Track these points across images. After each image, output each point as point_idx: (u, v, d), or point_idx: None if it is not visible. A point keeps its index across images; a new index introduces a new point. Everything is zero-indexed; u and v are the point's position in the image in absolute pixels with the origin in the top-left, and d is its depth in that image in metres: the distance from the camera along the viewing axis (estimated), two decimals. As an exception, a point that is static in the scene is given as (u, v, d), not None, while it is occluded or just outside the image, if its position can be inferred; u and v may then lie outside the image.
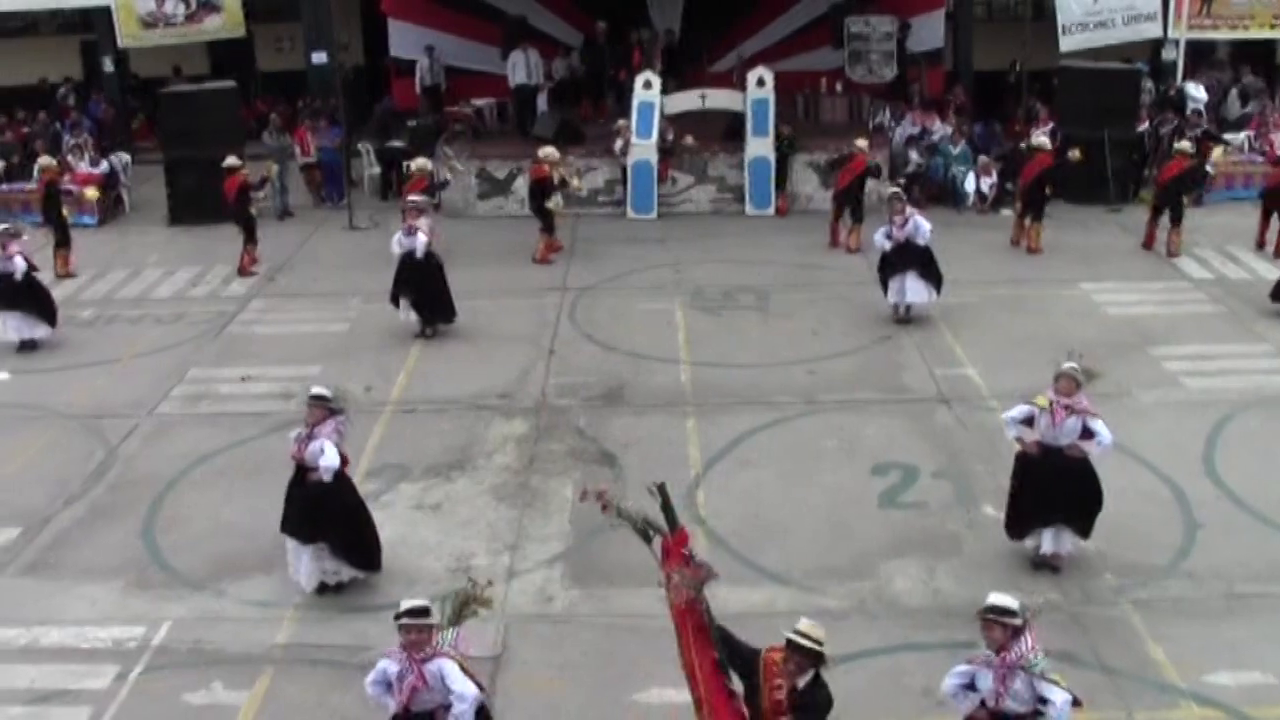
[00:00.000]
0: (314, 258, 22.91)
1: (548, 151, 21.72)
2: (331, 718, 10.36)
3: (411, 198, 18.88)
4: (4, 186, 26.39)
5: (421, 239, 18.11)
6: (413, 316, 18.35)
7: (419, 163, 21.74)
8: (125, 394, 17.03)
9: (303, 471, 11.67)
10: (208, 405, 16.60)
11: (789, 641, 8.06)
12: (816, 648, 8.01)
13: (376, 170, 26.82)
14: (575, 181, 22.34)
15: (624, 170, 24.42)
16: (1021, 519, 12.04)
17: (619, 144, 24.26)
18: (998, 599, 8.53)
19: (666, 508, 8.47)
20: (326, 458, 11.43)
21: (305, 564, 11.89)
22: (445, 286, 18.38)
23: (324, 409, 11.58)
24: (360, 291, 20.24)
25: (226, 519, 13.45)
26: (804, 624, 8.14)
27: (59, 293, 20.46)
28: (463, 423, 15.58)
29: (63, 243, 22.45)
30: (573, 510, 13.27)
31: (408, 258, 18.13)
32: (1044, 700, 8.31)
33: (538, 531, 12.98)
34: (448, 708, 8.65)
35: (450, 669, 8.60)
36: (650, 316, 18.94)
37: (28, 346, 18.75)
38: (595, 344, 17.97)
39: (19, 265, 18.57)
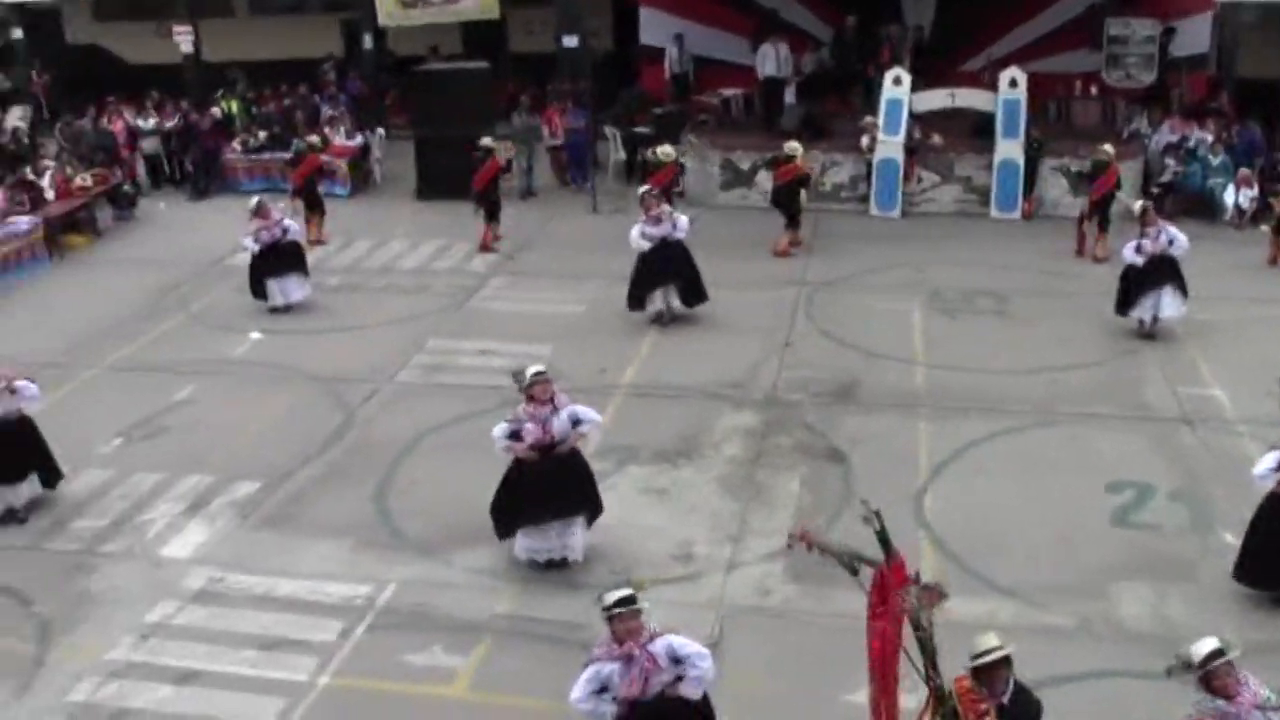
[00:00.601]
0: (555, 239, 23.28)
1: (793, 146, 21.63)
2: (545, 690, 10.50)
3: (643, 190, 18.86)
4: (265, 154, 27.57)
5: (683, 220, 18.28)
6: (658, 306, 18.39)
7: (664, 149, 21.89)
8: (367, 360, 17.62)
9: (544, 451, 11.88)
10: (445, 376, 17.04)
11: (975, 670, 7.83)
12: (1004, 652, 7.78)
13: (621, 155, 27.09)
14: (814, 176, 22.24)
15: (869, 167, 24.15)
16: (1261, 572, 11.47)
17: (865, 140, 24.01)
18: (1207, 646, 8.02)
19: (882, 535, 8.20)
20: (591, 412, 11.98)
21: (578, 535, 12.18)
22: (697, 268, 18.50)
23: (549, 383, 11.84)
24: (599, 274, 20.49)
25: (456, 489, 13.78)
26: (978, 643, 7.90)
27: (309, 259, 21.23)
28: (693, 410, 15.66)
29: (317, 211, 23.38)
30: (798, 506, 13.22)
31: (659, 247, 18.17)
32: None
33: (761, 525, 12.96)
34: (677, 681, 8.56)
35: (675, 639, 8.54)
36: (887, 315, 18.72)
37: (282, 310, 19.56)
38: (830, 340, 17.85)
39: (293, 226, 19.67)
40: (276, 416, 16.02)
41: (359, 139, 27.70)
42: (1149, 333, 17.71)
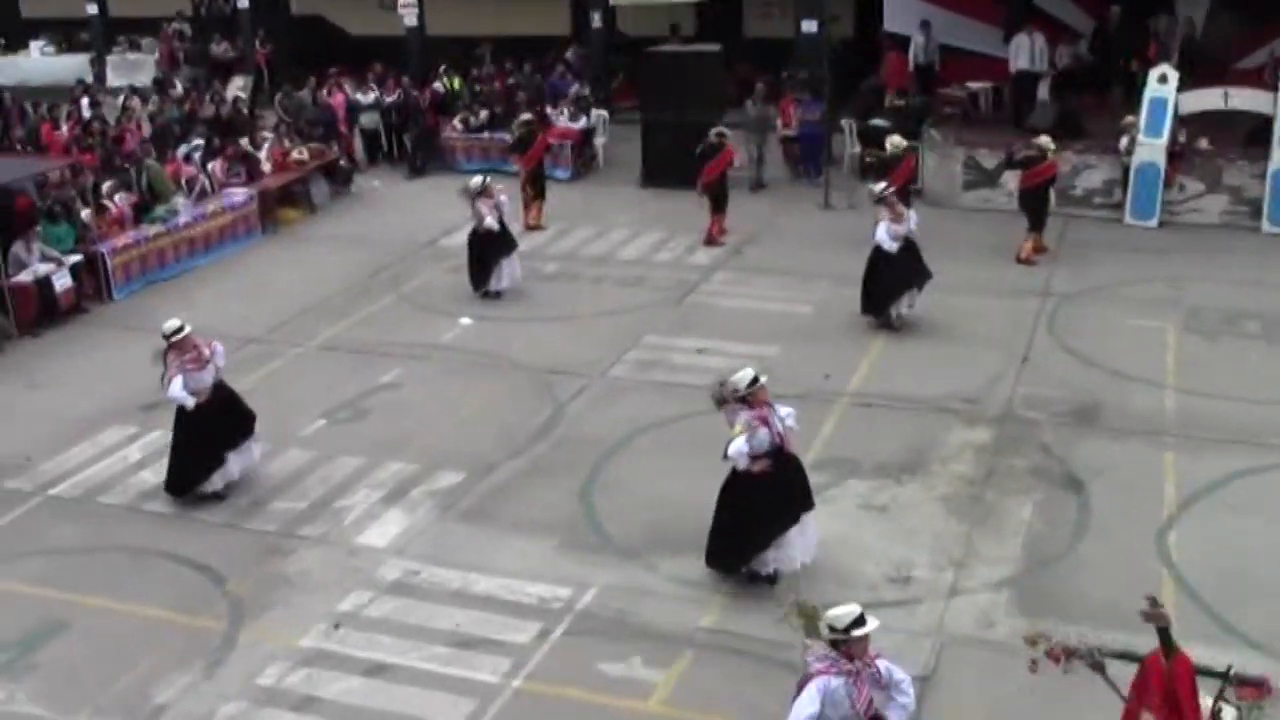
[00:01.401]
0: (784, 234, 23.19)
1: (1045, 141, 21.12)
2: (745, 711, 10.45)
3: (877, 187, 18.58)
4: (485, 134, 28.09)
5: (914, 216, 18.12)
6: (901, 309, 18.23)
7: (894, 140, 21.62)
8: (579, 352, 17.81)
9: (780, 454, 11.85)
10: (659, 374, 17.12)
11: None
12: None
13: (857, 149, 26.84)
14: None
15: (1125, 171, 23.44)
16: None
17: (1124, 142, 23.30)
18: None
19: (1163, 632, 7.77)
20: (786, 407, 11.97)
21: (809, 537, 12.17)
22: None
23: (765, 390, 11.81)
24: (829, 274, 20.32)
25: (665, 491, 13.82)
26: None
27: (524, 244, 21.60)
28: (921, 423, 15.42)
29: (538, 195, 23.73)
30: (1028, 533, 12.90)
31: (904, 248, 17.92)
32: None
33: (988, 551, 12.68)
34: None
35: (890, 664, 8.53)
36: (1138, 333, 18.12)
37: (493, 295, 19.90)
38: (1073, 356, 17.36)
39: (505, 202, 20.14)
40: (483, 406, 16.30)
41: (583, 121, 28.03)
42: None
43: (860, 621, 8.37)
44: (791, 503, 11.96)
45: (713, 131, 22.29)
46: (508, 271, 20.08)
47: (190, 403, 13.67)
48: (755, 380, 11.74)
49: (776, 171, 26.72)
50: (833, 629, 8.40)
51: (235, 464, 14.12)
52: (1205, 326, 18.44)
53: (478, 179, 20.32)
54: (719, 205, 22.52)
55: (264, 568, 12.78)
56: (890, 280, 18.09)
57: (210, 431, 13.84)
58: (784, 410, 11.90)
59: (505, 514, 13.68)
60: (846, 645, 8.37)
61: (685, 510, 13.07)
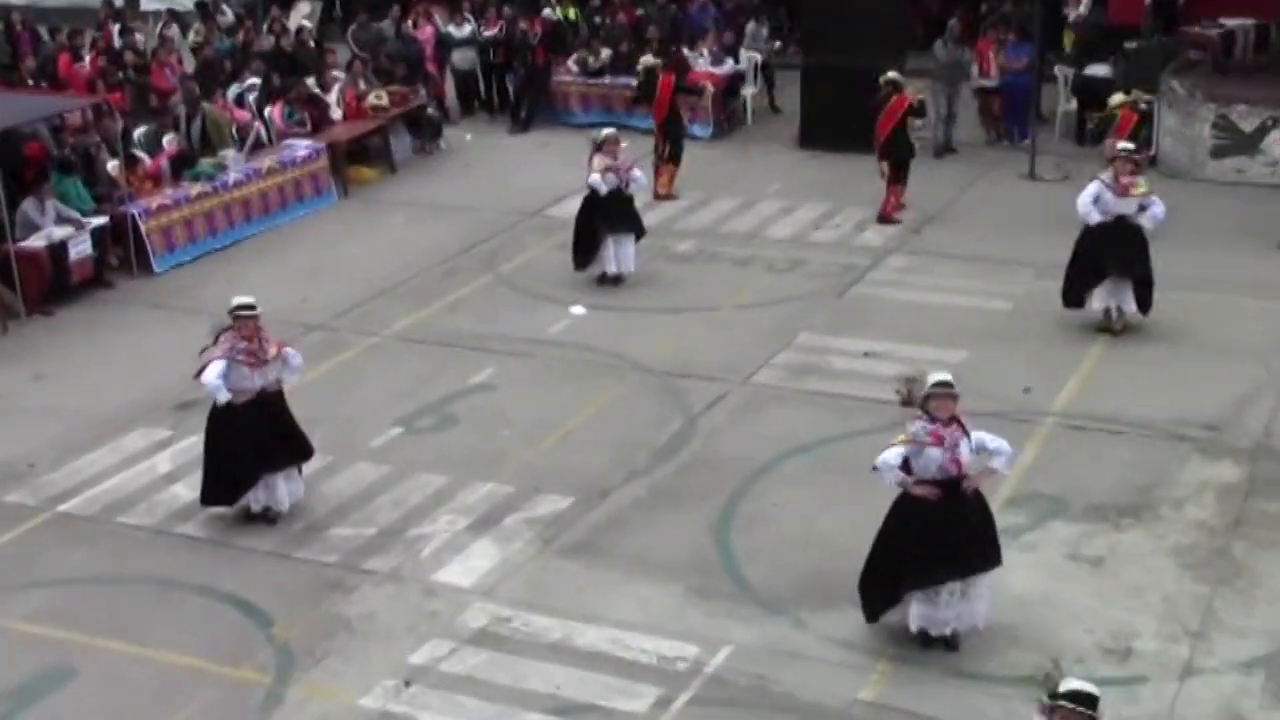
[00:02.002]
0: (977, 210, 22.97)
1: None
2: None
3: (1122, 145, 18.37)
4: (605, 79, 28.13)
5: (1159, 207, 17.68)
6: (1105, 303, 17.88)
7: (1116, 99, 21.36)
8: (717, 352, 17.78)
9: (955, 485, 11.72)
10: (816, 381, 17.03)
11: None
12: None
13: (1073, 105, 26.49)
14: None
15: None
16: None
17: None
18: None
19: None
20: (1000, 440, 11.80)
21: (983, 601, 12.03)
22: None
23: (954, 399, 11.65)
24: (1034, 262, 20.08)
25: (821, 529, 13.73)
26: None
27: (653, 217, 21.57)
28: (1148, 454, 15.14)
29: (672, 158, 23.73)
30: (1289, 599, 12.63)
31: (1113, 226, 17.61)
32: None
33: (1234, 620, 12.40)
34: None
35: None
36: None
37: (612, 281, 19.91)
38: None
39: (640, 178, 20.01)
40: (596, 415, 16.34)
41: (729, 65, 27.96)
42: None
43: (1083, 699, 8.72)
44: (959, 551, 11.76)
45: (883, 78, 22.10)
46: (615, 253, 20.00)
47: (223, 397, 13.78)
48: (943, 384, 11.62)
49: (970, 132, 26.48)
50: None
51: (284, 490, 14.24)
52: None
53: (610, 129, 20.30)
54: (899, 172, 22.33)
55: (320, 608, 12.86)
56: (1084, 263, 17.82)
57: (245, 444, 13.89)
58: (990, 442, 11.70)
59: (620, 551, 13.66)
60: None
61: (844, 554, 12.92)
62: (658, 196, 23.35)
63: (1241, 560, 13.28)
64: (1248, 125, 23.92)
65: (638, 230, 20.15)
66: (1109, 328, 17.96)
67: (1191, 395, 16.35)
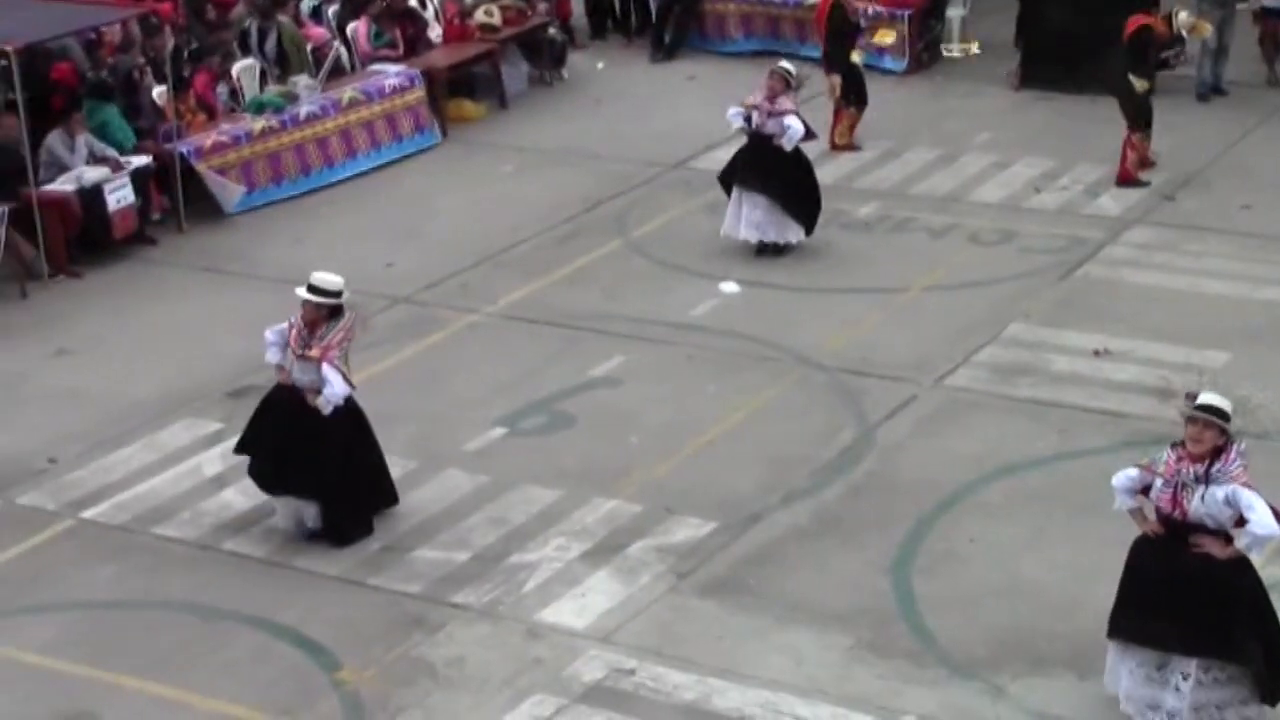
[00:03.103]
0: (1250, 171, 22.82)
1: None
2: None
3: None
4: (777, -4, 28.16)
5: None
6: None
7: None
8: (903, 346, 17.81)
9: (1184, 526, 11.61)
10: (1030, 385, 16.98)
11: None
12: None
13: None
14: None
15: None
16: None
17: None
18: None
19: None
20: (1271, 525, 11.25)
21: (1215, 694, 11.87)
22: None
23: (1214, 428, 11.41)
24: (1322, 239, 19.99)
25: (1028, 573, 13.69)
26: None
27: (827, 173, 21.55)
28: None
29: (855, 99, 23.70)
30: None
31: None
32: None
33: None
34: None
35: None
36: None
37: (770, 250, 19.99)
38: None
39: (794, 127, 19.62)
40: (747, 421, 16.40)
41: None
42: None
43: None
44: (1177, 615, 11.64)
45: None
46: (745, 214, 19.87)
47: (271, 357, 14.16)
48: (1203, 409, 11.27)
49: (1245, 68, 26.23)
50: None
51: (284, 513, 14.49)
52: None
53: (784, 63, 20.14)
54: (1139, 117, 22.15)
55: (397, 649, 12.98)
56: None
57: (269, 439, 14.25)
58: (1247, 507, 11.17)
59: (773, 592, 13.67)
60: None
61: (1055, 606, 12.94)
62: (833, 147, 23.37)
63: None
64: None
65: (773, 192, 19.87)
66: None
67: None
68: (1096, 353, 17.55)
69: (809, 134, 19.96)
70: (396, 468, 14.87)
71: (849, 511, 14.85)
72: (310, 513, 14.41)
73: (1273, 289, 19.02)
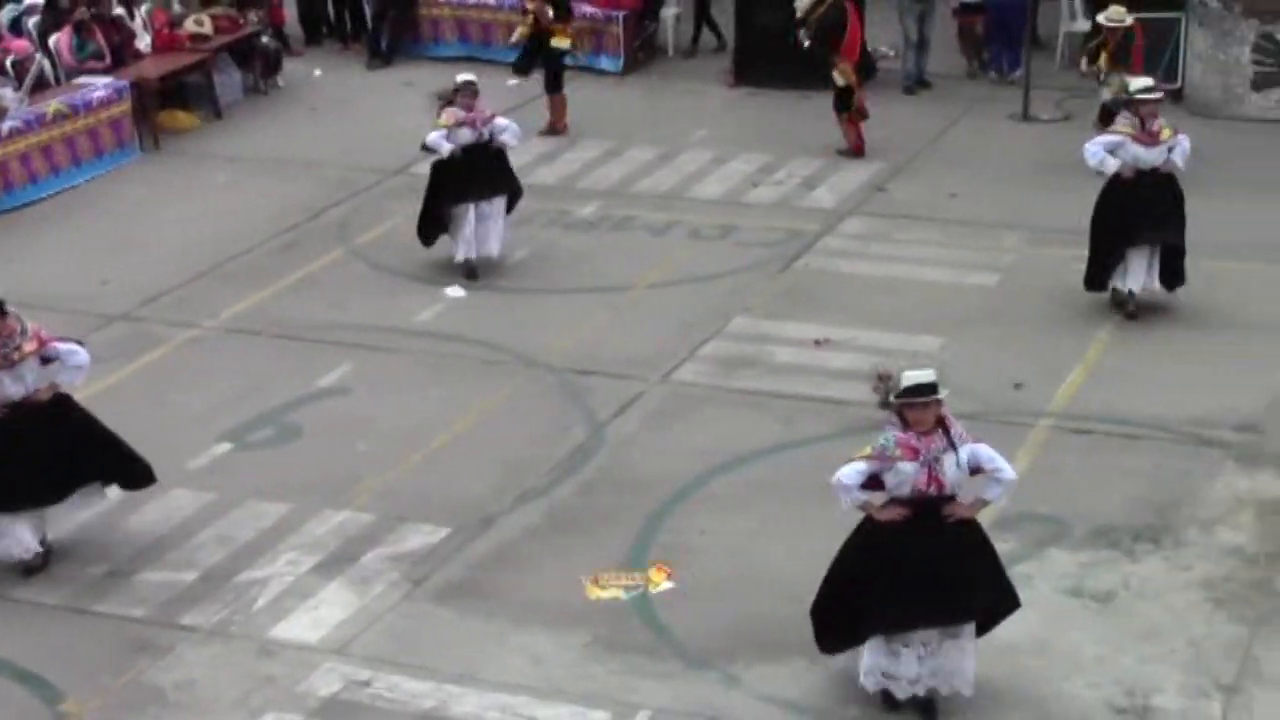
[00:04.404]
0: (956, 160, 23.24)
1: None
2: None
3: (1139, 82, 18.15)
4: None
5: (1185, 140, 17.81)
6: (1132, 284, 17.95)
7: (1115, 10, 21.57)
8: (628, 344, 17.91)
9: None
10: (754, 377, 17.17)
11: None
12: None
13: (1084, 25, 26.66)
14: None
15: None
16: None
17: None
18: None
19: None
20: (998, 458, 11.70)
21: (966, 656, 12.02)
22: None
23: (934, 405, 11.59)
24: (1026, 225, 20.42)
25: (758, 563, 13.83)
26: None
27: (548, 174, 21.66)
28: (1168, 463, 15.33)
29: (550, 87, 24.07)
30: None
31: (1143, 184, 17.67)
32: None
33: (1277, 669, 12.54)
34: None
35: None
36: None
37: (467, 272, 19.70)
38: None
39: (509, 129, 19.54)
40: (477, 425, 16.40)
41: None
42: None
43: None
44: (937, 592, 11.78)
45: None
46: (472, 231, 19.47)
47: (85, 356, 13.89)
48: (920, 388, 11.55)
49: (947, 62, 26.72)
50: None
51: (33, 531, 14.10)
52: None
53: (465, 76, 19.79)
54: (842, 100, 22.68)
55: (124, 676, 12.75)
56: (1115, 233, 17.91)
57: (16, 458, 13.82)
58: (987, 460, 11.64)
59: (509, 594, 13.68)
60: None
61: (786, 594, 13.01)
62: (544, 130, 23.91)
63: (1289, 595, 13.51)
64: (1303, 46, 24.29)
65: (509, 192, 19.81)
66: (1124, 306, 18.13)
67: (1222, 389, 16.55)
68: (817, 342, 17.79)
69: None
70: (119, 492, 14.61)
71: (582, 509, 14.94)
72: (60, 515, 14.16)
73: (981, 274, 19.48)
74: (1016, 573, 13.28)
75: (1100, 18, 22.25)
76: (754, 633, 12.97)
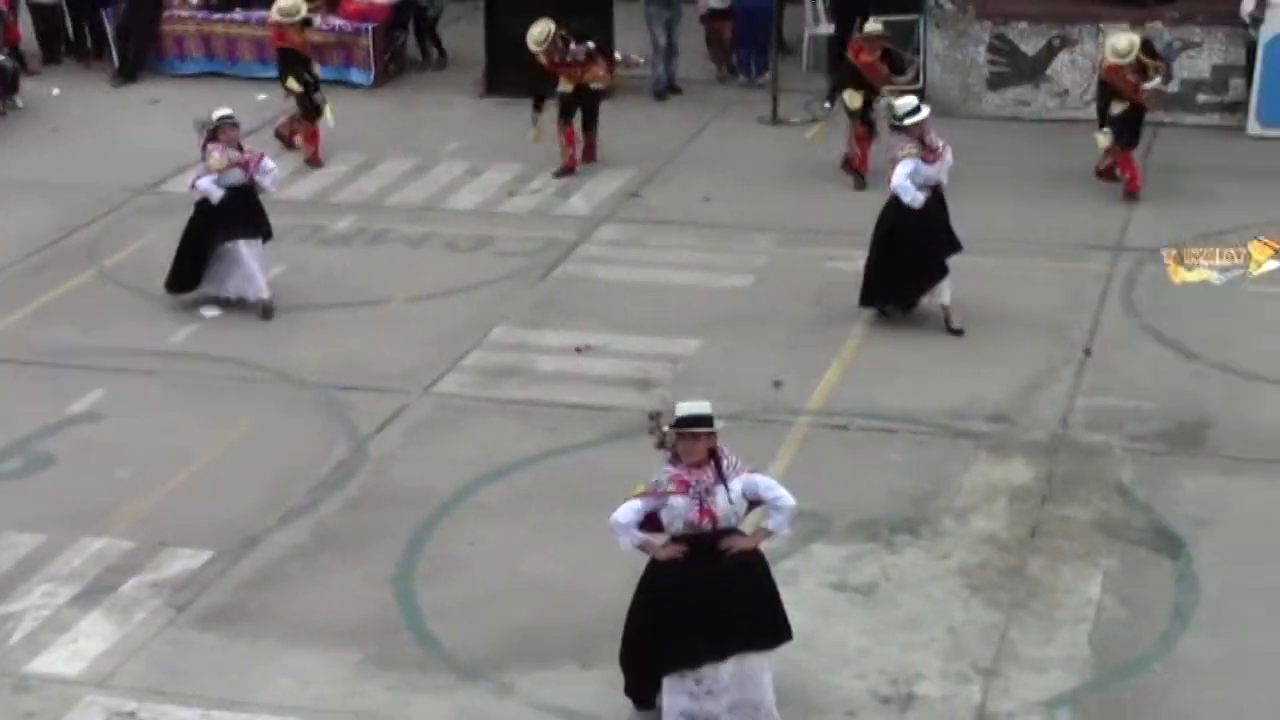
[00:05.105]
0: (707, 164, 23.43)
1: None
2: None
3: (904, 101, 18.18)
4: (235, 14, 27.90)
5: (948, 150, 17.89)
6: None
7: (870, 28, 21.87)
8: (389, 357, 17.85)
9: None
10: (517, 386, 17.23)
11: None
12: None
13: (828, 29, 26.98)
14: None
15: (1249, 50, 23.79)
16: None
17: (1248, 4, 23.61)
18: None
19: None
20: (777, 487, 11.61)
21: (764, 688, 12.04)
22: None
23: (708, 436, 11.53)
24: (779, 226, 20.63)
25: (528, 570, 13.87)
26: None
27: (300, 189, 21.59)
28: (924, 455, 15.62)
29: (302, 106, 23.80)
30: (1098, 623, 13.10)
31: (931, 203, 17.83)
32: None
33: (1032, 651, 12.82)
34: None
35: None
36: (1268, 306, 18.26)
37: (217, 304, 19.34)
38: (1164, 345, 17.70)
39: (273, 171, 19.20)
40: (238, 445, 16.26)
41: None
42: None
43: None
44: (721, 625, 11.75)
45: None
46: (236, 274, 19.10)
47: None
48: (691, 419, 11.44)
49: (696, 67, 26.93)
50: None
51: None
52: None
53: (223, 111, 19.21)
54: (562, 111, 22.88)
55: None
56: (919, 254, 17.99)
57: None
58: (766, 489, 11.57)
59: (276, 615, 13.58)
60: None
61: (558, 599, 13.14)
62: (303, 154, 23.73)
63: (1039, 578, 13.72)
64: (1030, 47, 24.67)
65: (268, 232, 19.46)
66: (879, 307, 18.34)
67: (974, 381, 16.90)
68: (578, 349, 17.90)
69: None
70: None
71: (348, 526, 14.87)
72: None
73: (736, 276, 19.70)
74: (781, 569, 13.39)
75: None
76: (526, 641, 13.00)
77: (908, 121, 17.72)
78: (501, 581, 13.85)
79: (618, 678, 12.16)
